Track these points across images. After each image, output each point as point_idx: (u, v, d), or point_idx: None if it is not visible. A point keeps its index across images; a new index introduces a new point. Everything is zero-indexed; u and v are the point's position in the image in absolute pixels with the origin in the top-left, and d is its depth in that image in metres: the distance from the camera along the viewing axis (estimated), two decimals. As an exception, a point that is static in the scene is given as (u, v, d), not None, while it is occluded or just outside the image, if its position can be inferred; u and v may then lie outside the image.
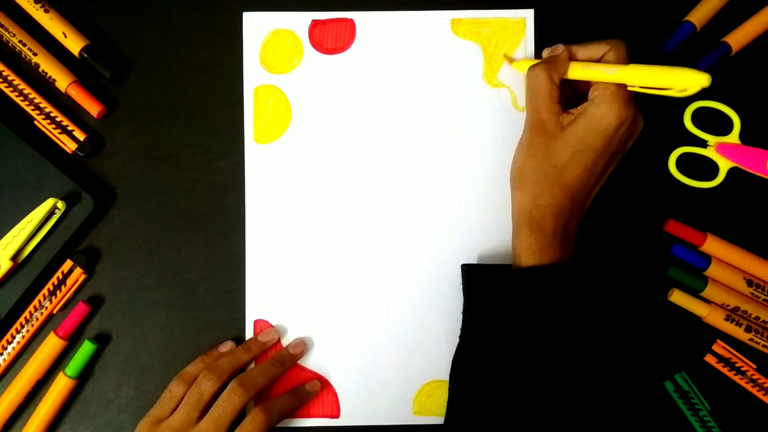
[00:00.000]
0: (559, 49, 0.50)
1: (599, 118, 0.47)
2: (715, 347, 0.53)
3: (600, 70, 0.48)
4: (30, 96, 0.53)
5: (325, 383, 0.54)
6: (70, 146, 0.53)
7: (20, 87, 0.53)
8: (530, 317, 0.46)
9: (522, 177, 0.49)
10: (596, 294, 0.53)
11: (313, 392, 0.53)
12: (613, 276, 0.54)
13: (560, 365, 0.45)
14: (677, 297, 0.53)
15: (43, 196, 0.51)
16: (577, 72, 0.49)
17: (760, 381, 0.53)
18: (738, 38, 0.54)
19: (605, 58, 0.48)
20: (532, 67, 0.49)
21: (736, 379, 0.53)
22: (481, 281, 0.50)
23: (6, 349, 0.52)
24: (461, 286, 0.50)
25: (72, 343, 0.53)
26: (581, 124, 0.47)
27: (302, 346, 0.53)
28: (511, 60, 0.54)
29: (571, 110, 0.48)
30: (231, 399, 0.49)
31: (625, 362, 0.54)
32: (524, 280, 0.47)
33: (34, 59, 0.53)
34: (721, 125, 0.54)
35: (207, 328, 0.54)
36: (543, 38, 0.55)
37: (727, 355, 0.53)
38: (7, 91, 0.53)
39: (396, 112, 0.55)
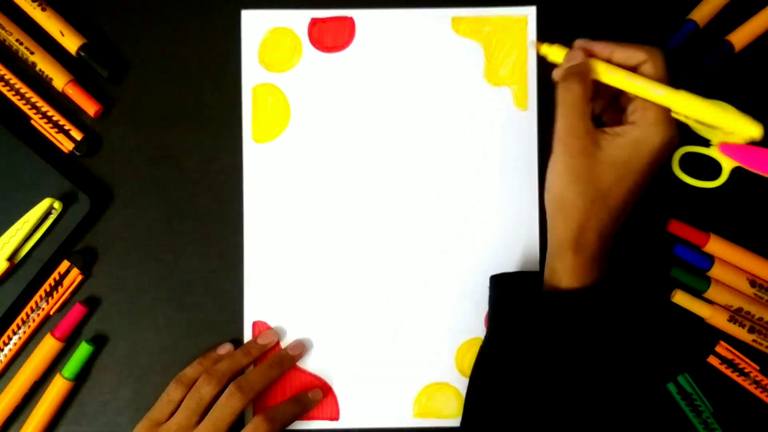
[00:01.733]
0: (579, 56, 0.47)
1: (646, 141, 0.45)
2: (718, 348, 0.53)
3: (646, 88, 0.45)
4: (27, 95, 0.53)
5: (324, 386, 0.53)
6: (67, 146, 0.53)
7: (17, 86, 0.53)
8: (570, 338, 0.45)
9: (565, 203, 0.46)
10: (626, 309, 0.53)
11: (316, 401, 0.52)
12: (615, 277, 0.54)
13: (589, 383, 0.45)
14: (680, 298, 0.53)
15: (39, 196, 0.51)
16: (620, 81, 0.46)
17: (763, 382, 0.52)
18: (741, 36, 0.54)
19: (643, 69, 0.46)
20: (565, 79, 0.46)
21: (739, 380, 0.53)
22: (511, 294, 0.49)
23: (2, 350, 0.52)
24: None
25: (69, 345, 0.53)
26: (626, 148, 0.45)
27: (301, 347, 0.53)
28: (539, 46, 0.50)
29: (606, 129, 0.46)
30: (230, 402, 0.48)
31: (628, 364, 0.53)
32: (569, 302, 0.46)
33: (31, 58, 0.53)
34: (725, 124, 0.54)
35: (205, 329, 0.54)
36: (545, 36, 0.54)
37: (730, 356, 0.53)
38: (4, 90, 0.53)
39: (396, 111, 0.54)
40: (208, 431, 0.47)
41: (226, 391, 0.49)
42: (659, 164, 0.47)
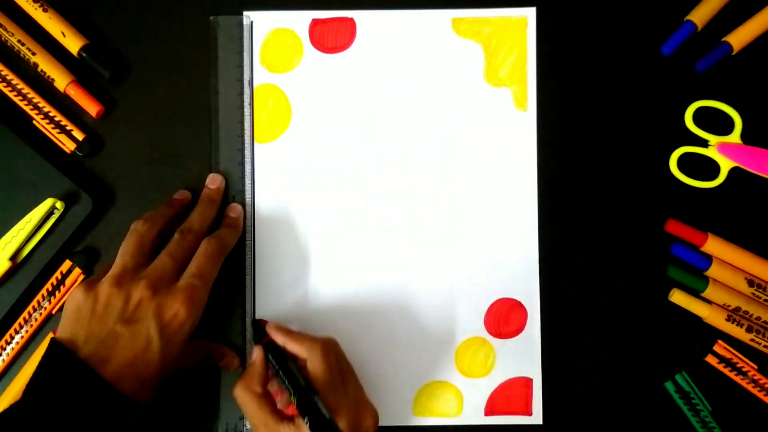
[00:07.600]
0: (254, 355, 0.49)
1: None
2: (716, 348, 0.53)
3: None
4: (29, 96, 0.53)
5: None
6: (69, 146, 0.53)
7: (19, 87, 0.53)
8: None
9: None
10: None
11: (239, 215, 0.53)
12: (613, 276, 0.54)
13: None
14: (678, 297, 0.53)
15: (41, 196, 0.51)
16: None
17: (761, 381, 0.53)
18: (739, 38, 0.54)
19: (308, 366, 0.46)
20: (233, 390, 0.47)
21: (737, 379, 0.53)
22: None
23: (5, 349, 0.52)
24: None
25: (71, 344, 0.53)
26: None
27: (218, 179, 0.53)
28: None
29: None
30: (184, 240, 0.49)
31: (626, 363, 0.54)
32: None
33: (33, 59, 0.53)
34: (723, 125, 0.54)
35: (207, 328, 0.54)
36: (545, 37, 0.55)
37: (728, 355, 0.53)
38: (6, 90, 0.53)
39: (396, 112, 0.55)
40: (166, 261, 0.47)
41: (174, 237, 0.49)
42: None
